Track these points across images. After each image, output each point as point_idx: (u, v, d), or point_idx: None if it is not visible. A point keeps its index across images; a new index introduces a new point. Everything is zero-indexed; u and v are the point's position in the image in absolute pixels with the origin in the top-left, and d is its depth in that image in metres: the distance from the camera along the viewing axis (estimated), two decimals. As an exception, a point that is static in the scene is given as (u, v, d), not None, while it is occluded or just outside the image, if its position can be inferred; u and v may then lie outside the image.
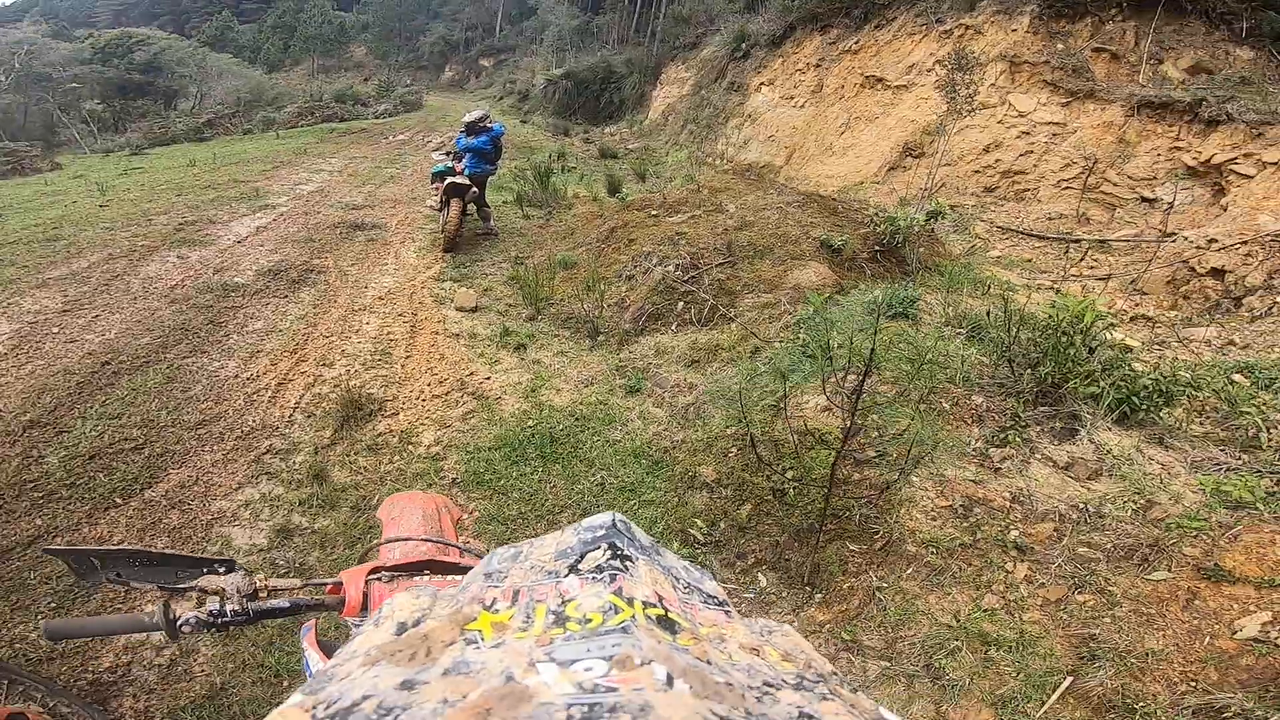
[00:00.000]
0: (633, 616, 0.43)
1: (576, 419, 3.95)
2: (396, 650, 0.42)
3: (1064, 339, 3.37)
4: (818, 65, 13.98)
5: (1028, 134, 9.15)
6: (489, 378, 4.37)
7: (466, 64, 44.84)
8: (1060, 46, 9.43)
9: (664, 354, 4.60)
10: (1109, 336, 3.63)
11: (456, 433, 3.80)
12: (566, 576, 0.51)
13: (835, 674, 0.47)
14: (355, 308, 5.38)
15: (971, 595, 2.44)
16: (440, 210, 7.08)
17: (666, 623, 0.45)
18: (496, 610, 0.48)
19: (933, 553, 2.61)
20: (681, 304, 4.99)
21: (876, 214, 5.83)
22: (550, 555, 0.57)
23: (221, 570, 0.97)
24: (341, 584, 1.02)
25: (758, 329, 4.52)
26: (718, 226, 5.66)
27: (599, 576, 0.50)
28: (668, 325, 4.92)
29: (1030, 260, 7.71)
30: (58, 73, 25.66)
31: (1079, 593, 2.37)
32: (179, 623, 0.87)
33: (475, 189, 6.98)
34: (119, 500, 3.11)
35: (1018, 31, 9.79)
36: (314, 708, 0.36)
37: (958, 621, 2.35)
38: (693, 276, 5.13)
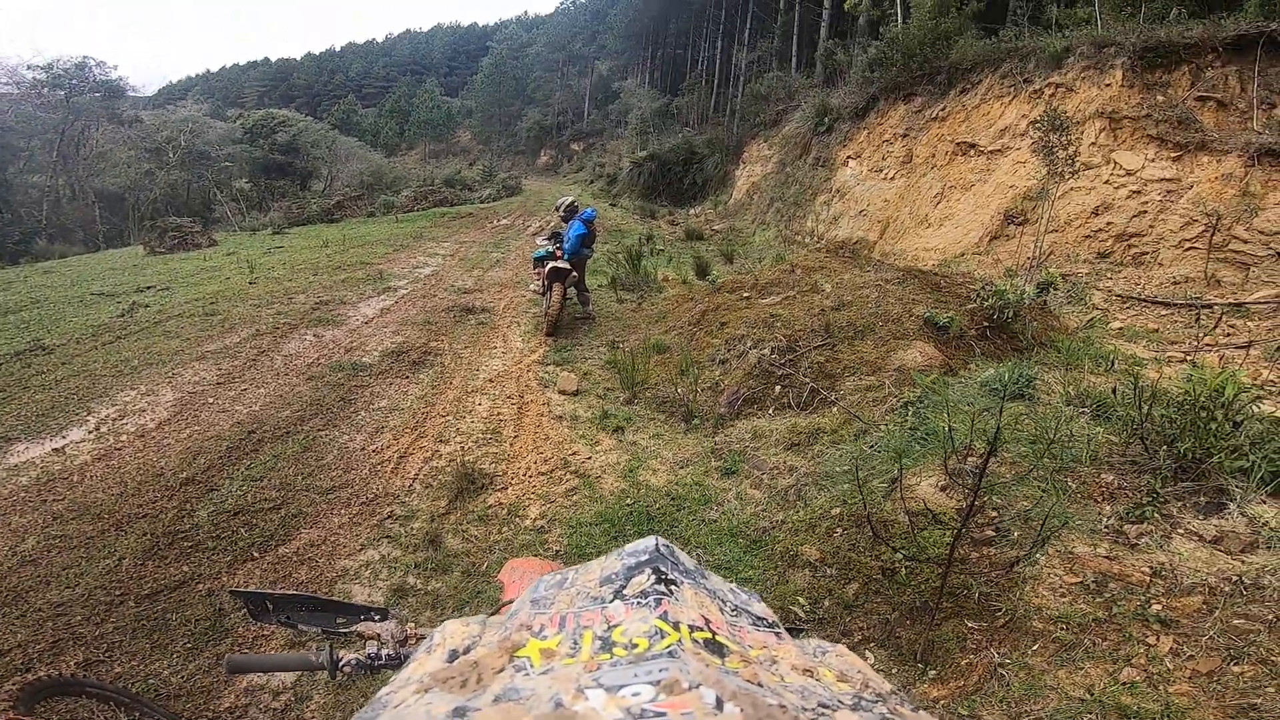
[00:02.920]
0: (679, 640, 0.43)
1: (673, 499, 4.00)
2: (448, 677, 0.42)
3: (1204, 414, 3.14)
4: (905, 135, 13.94)
5: (1139, 193, 8.68)
6: (590, 458, 4.52)
7: (559, 148, 48.01)
8: (1160, 98, 9.05)
9: (761, 437, 4.58)
10: (1257, 409, 3.37)
11: (560, 508, 3.94)
12: (612, 602, 0.51)
13: (895, 693, 0.46)
14: (469, 389, 5.72)
15: (1108, 669, 2.29)
16: (543, 294, 7.42)
17: (714, 646, 0.44)
18: (544, 637, 0.48)
19: (1062, 628, 2.47)
20: (779, 387, 4.98)
21: (983, 288, 5.65)
22: (595, 581, 0.57)
23: (377, 618, 1.06)
24: None
25: (861, 412, 4.44)
26: (814, 307, 5.66)
27: (644, 601, 0.50)
28: (764, 409, 4.92)
29: (1157, 331, 7.15)
30: (214, 151, 28.98)
31: (1235, 664, 2.18)
32: (341, 663, 0.95)
33: (575, 273, 7.28)
34: (256, 554, 3.40)
35: (1111, 86, 9.49)
36: None
37: (1092, 695, 2.21)
38: (790, 359, 5.14)
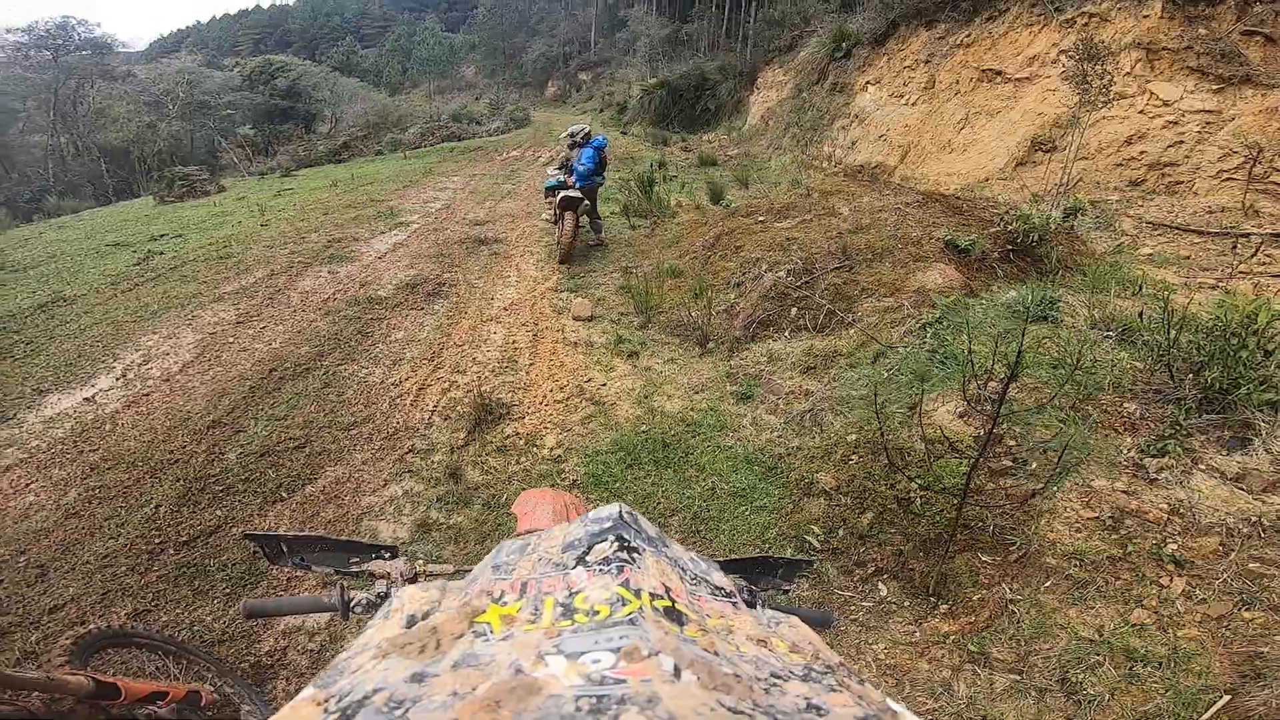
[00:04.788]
0: (640, 608, 0.43)
1: (688, 425, 4.02)
2: (407, 643, 0.42)
3: (1234, 341, 3.08)
4: (927, 61, 13.46)
5: (1175, 124, 8.33)
6: (605, 384, 4.53)
7: (566, 78, 46.36)
8: (1203, 31, 8.53)
9: (777, 360, 4.56)
10: (1290, 339, 3.25)
11: (576, 436, 3.97)
12: (574, 568, 0.51)
13: (843, 665, 0.46)
14: (484, 318, 5.73)
15: (1119, 610, 2.31)
16: (555, 223, 7.35)
17: (674, 614, 0.44)
18: (505, 603, 0.48)
19: (1076, 565, 2.48)
20: (795, 310, 4.92)
21: (1007, 212, 5.47)
22: (558, 547, 0.56)
23: (387, 556, 1.07)
24: None
25: (879, 334, 4.39)
26: (831, 230, 5.52)
27: (606, 568, 0.50)
28: (780, 332, 4.87)
29: (1189, 258, 6.92)
30: (214, 100, 28.43)
31: (1247, 610, 2.19)
32: (351, 604, 0.97)
33: (587, 201, 7.20)
34: (284, 494, 3.46)
35: (1150, 18, 8.99)
36: (325, 701, 0.36)
37: (1100, 636, 2.24)
38: (806, 282, 5.05)
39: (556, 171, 7.57)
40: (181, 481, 3.53)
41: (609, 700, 0.31)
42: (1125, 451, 2.95)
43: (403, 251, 7.80)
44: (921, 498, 2.90)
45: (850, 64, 16.21)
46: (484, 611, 0.47)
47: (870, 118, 14.46)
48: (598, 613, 0.44)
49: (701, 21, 32.77)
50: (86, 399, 4.48)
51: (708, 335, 5.00)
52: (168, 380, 4.70)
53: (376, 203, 10.80)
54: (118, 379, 4.75)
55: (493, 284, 6.65)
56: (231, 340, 5.33)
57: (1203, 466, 2.80)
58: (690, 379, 4.56)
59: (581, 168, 7.16)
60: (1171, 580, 2.36)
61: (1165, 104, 8.50)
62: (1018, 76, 10.88)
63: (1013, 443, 3.10)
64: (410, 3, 70.76)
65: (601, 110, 31.50)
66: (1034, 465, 2.93)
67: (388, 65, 51.30)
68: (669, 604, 0.46)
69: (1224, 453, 2.86)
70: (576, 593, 0.48)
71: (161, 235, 9.49)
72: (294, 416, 4.17)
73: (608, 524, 0.58)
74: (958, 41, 12.68)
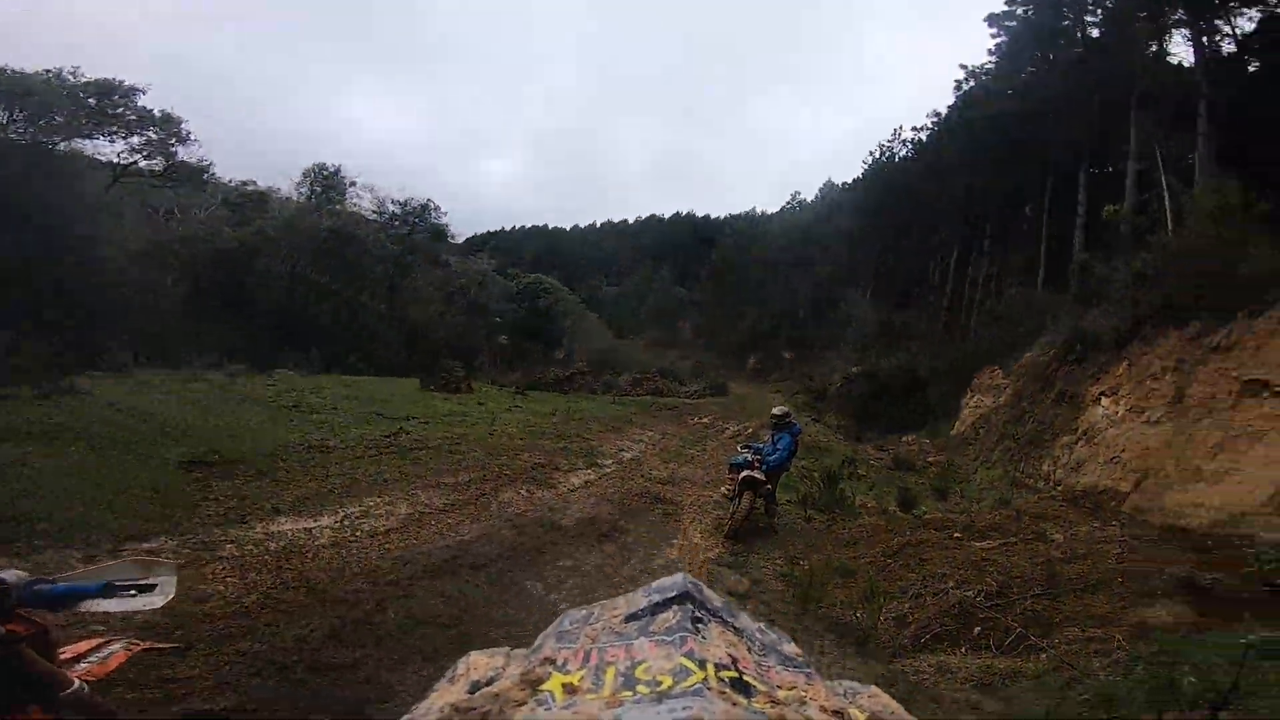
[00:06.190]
0: (705, 679, 0.42)
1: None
2: (469, 709, 0.42)
3: None
4: (1176, 369, 11.68)
5: None
6: (747, 665, 4.28)
7: (770, 352, 46.64)
8: None
9: (946, 673, 4.03)
10: None
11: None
12: (637, 639, 0.51)
13: None
14: (644, 569, 5.87)
15: None
16: (732, 499, 7.31)
17: (741, 685, 0.43)
18: (567, 670, 0.48)
19: None
20: (978, 629, 4.37)
21: (1266, 552, 4.57)
22: (621, 617, 0.56)
23: None
24: None
25: (1078, 662, 3.74)
26: (1038, 555, 5.12)
27: (669, 639, 0.49)
28: (957, 648, 4.35)
29: None
30: (492, 305, 31.89)
31: None
32: None
33: (769, 485, 7.18)
34: (419, 660, 3.74)
35: None
36: None
37: None
38: (998, 605, 4.56)
39: (744, 450, 7.75)
40: (339, 619, 4.06)
41: None
42: None
43: (591, 490, 8.51)
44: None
45: (1083, 370, 14.50)
46: (546, 680, 0.48)
47: (1101, 435, 12.81)
48: (660, 683, 0.43)
49: (918, 311, 32.34)
50: (306, 529, 5.50)
51: (868, 637, 4.57)
52: (373, 536, 5.61)
53: (582, 440, 12.02)
54: (337, 521, 5.78)
55: (659, 540, 6.86)
56: (433, 523, 6.23)
57: None
58: (841, 674, 4.11)
59: (775, 456, 7.30)
60: None
61: None
62: (1288, 388, 9.25)
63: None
64: (653, 249, 77.00)
65: (798, 393, 30.91)
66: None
67: (623, 306, 58.81)
68: (735, 675, 0.45)
69: None
70: (639, 663, 0.47)
71: (413, 418, 11.46)
72: (458, 599, 4.65)
73: (671, 594, 0.57)
74: (1214, 345, 10.98)
